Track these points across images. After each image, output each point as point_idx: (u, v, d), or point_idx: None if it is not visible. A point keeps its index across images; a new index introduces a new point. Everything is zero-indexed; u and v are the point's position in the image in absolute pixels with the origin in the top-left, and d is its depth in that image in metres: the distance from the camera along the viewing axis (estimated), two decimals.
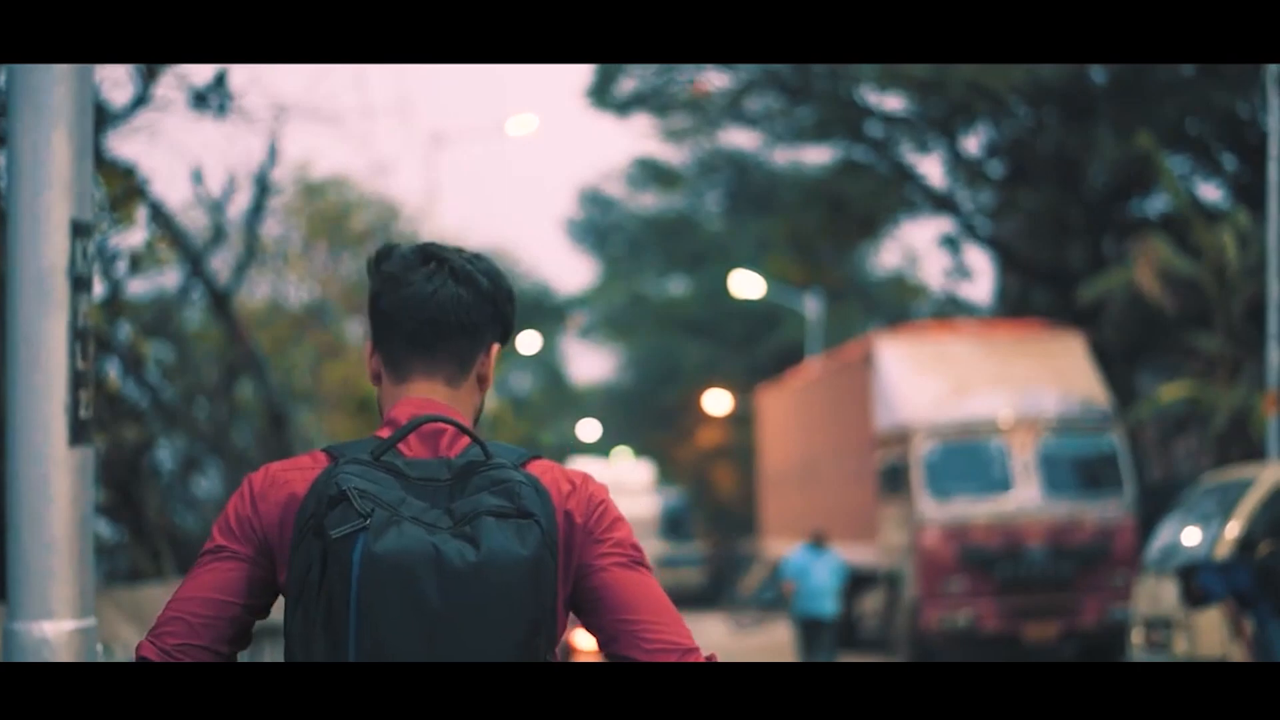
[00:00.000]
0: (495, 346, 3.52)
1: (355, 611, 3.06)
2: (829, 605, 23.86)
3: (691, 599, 52.33)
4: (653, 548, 42.27)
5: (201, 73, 15.24)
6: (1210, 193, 38.26)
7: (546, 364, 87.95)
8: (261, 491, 3.30)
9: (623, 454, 59.57)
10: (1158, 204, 37.55)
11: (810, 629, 23.86)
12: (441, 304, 3.37)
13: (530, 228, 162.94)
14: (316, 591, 3.10)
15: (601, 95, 40.38)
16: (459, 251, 3.46)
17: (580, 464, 42.34)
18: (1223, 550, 18.99)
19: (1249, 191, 34.43)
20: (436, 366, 3.41)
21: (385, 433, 3.32)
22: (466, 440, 3.30)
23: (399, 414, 3.34)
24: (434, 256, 3.41)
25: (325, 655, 3.11)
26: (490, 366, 3.48)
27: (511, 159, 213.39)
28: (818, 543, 24.22)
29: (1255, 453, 27.10)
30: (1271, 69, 26.93)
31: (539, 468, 3.30)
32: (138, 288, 31.22)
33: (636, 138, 43.73)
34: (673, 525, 48.21)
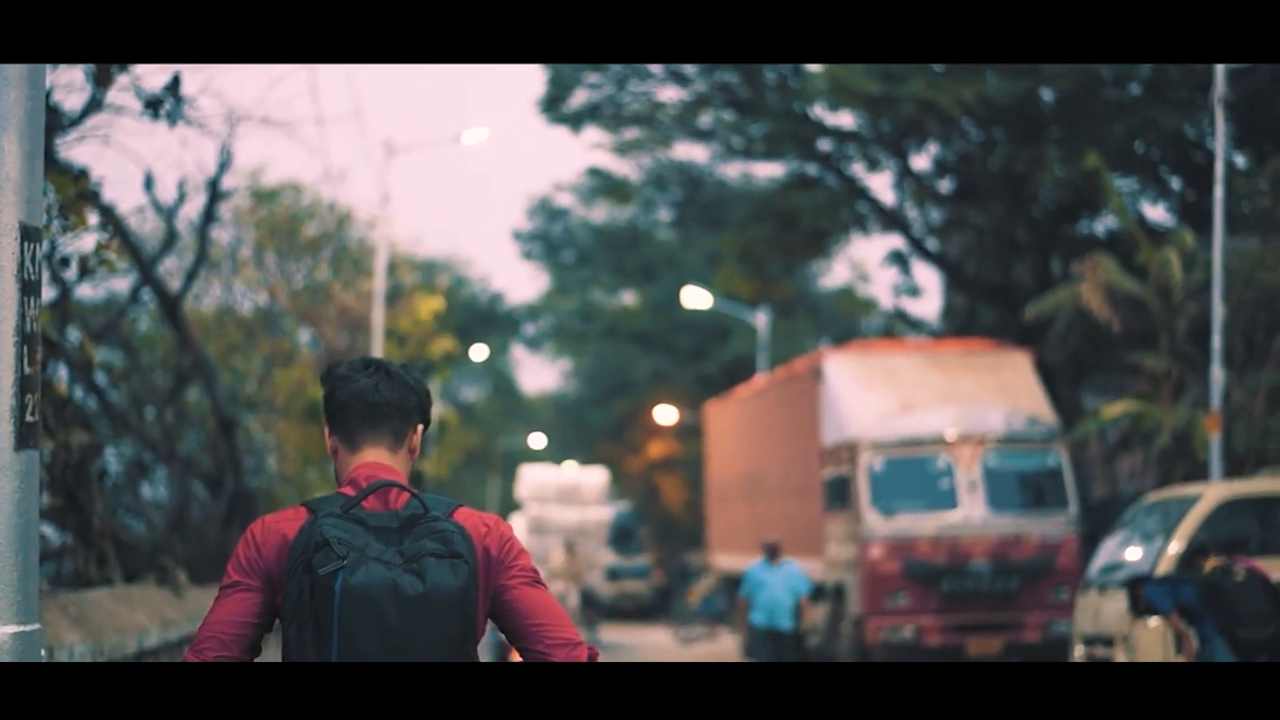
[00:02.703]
0: (420, 427, 4.77)
1: (337, 627, 4.29)
2: (786, 619, 23.71)
3: (639, 611, 52.40)
4: (603, 557, 42.28)
5: (155, 78, 15.25)
6: (1157, 213, 38.55)
7: (496, 373, 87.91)
8: (262, 538, 4.52)
9: (569, 466, 59.66)
10: (1105, 223, 37.78)
11: (775, 641, 23.78)
12: (381, 394, 4.66)
13: (483, 237, 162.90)
14: (307, 612, 4.31)
15: (553, 108, 40.41)
16: (391, 362, 4.76)
17: (534, 472, 42.25)
18: (1165, 567, 19.16)
19: (1195, 212, 34.71)
20: (380, 439, 4.67)
21: (349, 489, 4.56)
22: (407, 495, 4.51)
23: (358, 475, 4.60)
24: (373, 364, 4.73)
25: (315, 657, 4.32)
26: (417, 441, 4.76)
27: (465, 169, 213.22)
28: (772, 556, 24.13)
29: (1197, 471, 27.32)
30: (1216, 90, 27.21)
31: (462, 515, 4.53)
32: (87, 292, 31.17)
33: (589, 149, 43.79)
34: (621, 537, 48.31)
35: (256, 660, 4.54)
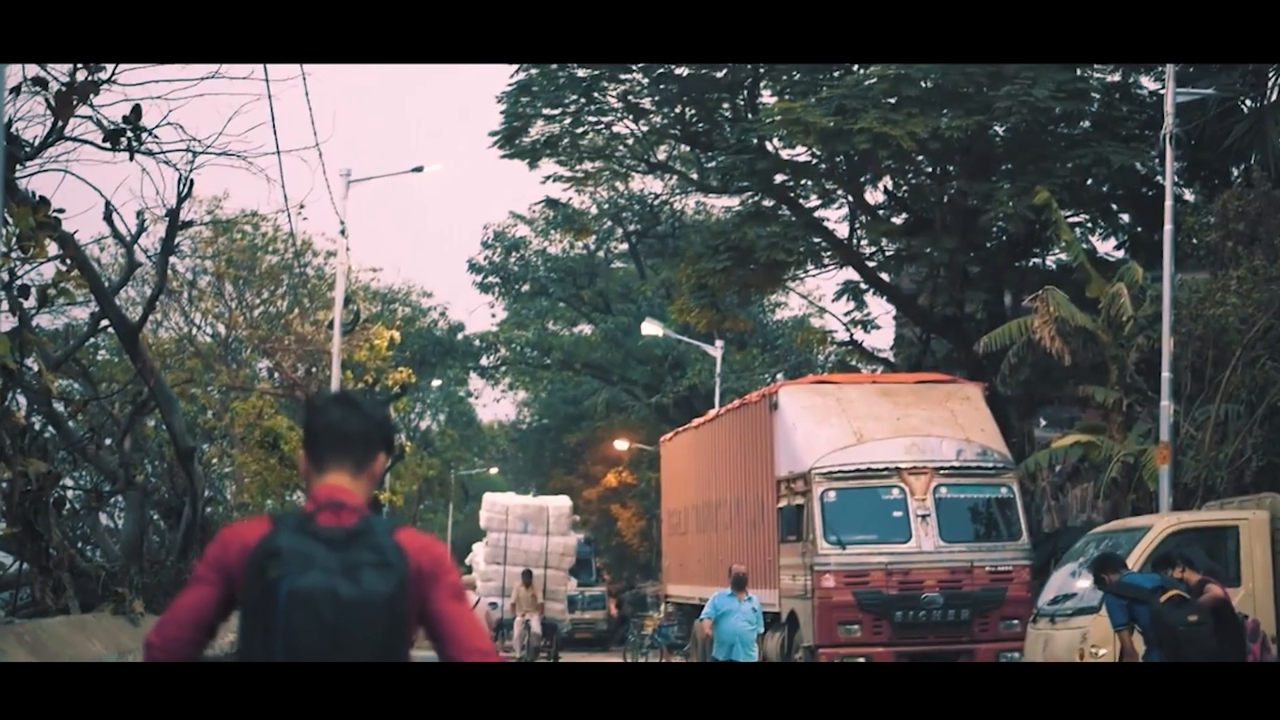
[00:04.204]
0: (382, 456, 5.36)
1: (281, 624, 4.91)
2: (745, 653, 23.28)
3: (595, 639, 52.43)
4: (567, 586, 42.22)
5: (115, 109, 15.39)
6: (1108, 247, 38.93)
7: (454, 403, 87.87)
8: (229, 542, 5.13)
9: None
10: (1056, 257, 38.12)
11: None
12: (348, 425, 5.27)
13: (442, 268, 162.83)
14: (259, 609, 4.94)
15: (510, 142, 40.56)
16: (363, 394, 5.49)
17: (497, 498, 42.19)
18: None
19: (1145, 247, 35.08)
20: (343, 465, 5.25)
21: (309, 506, 5.14)
22: (358, 514, 5.11)
23: (319, 494, 5.17)
24: (346, 398, 5.37)
25: (262, 647, 4.95)
26: (379, 468, 5.35)
27: (424, 200, 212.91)
28: (739, 587, 23.55)
29: (1147, 502, 27.62)
30: (1165, 126, 27.56)
31: (403, 534, 5.12)
32: (46, 322, 31.24)
33: (547, 181, 43.61)
34: (577, 566, 48.34)
35: (214, 644, 5.26)
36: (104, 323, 21.83)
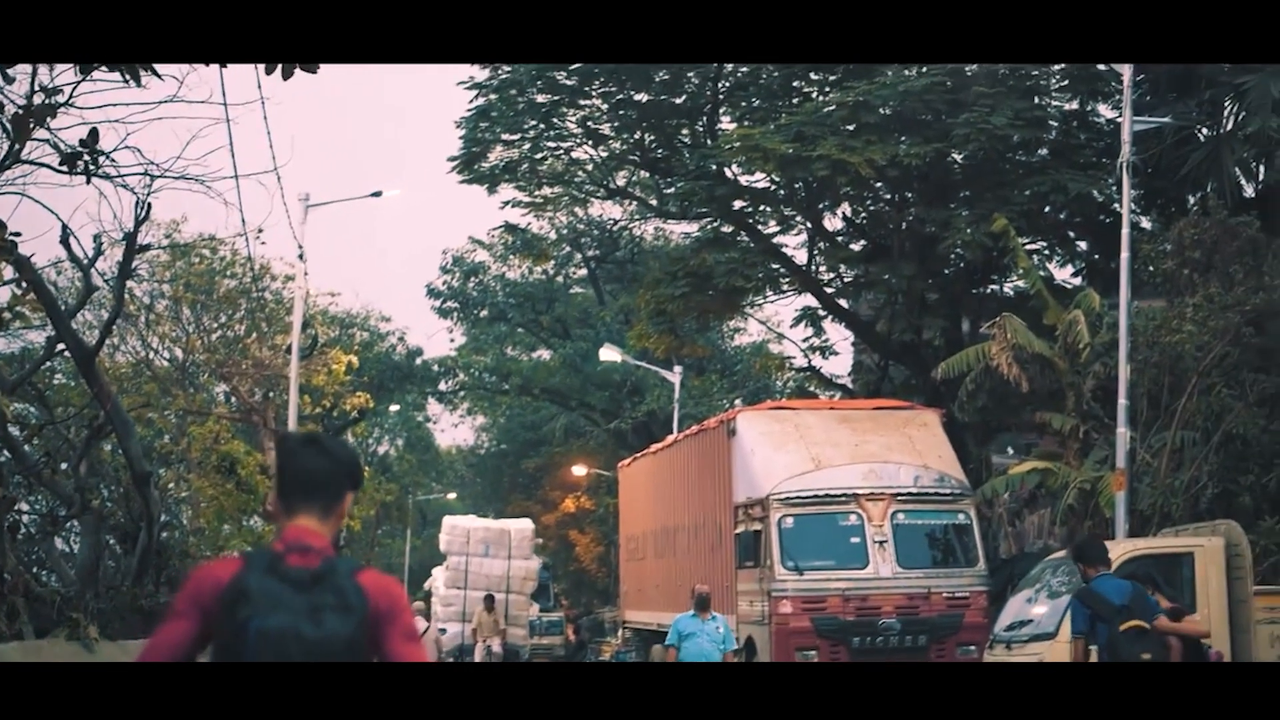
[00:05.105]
0: (349, 495, 5.64)
1: (249, 661, 5.17)
2: None
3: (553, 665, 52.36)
4: (530, 611, 42.01)
5: (72, 133, 15.32)
6: (1065, 274, 39.09)
7: (412, 428, 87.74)
8: (203, 580, 5.39)
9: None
10: (1014, 284, 38.25)
11: None
12: (317, 471, 5.53)
13: (401, 293, 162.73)
14: (230, 647, 5.23)
15: (468, 167, 40.55)
16: (330, 438, 5.69)
17: (458, 521, 41.81)
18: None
19: (1102, 274, 35.25)
20: (311, 508, 5.52)
21: (279, 546, 5.41)
22: (322, 556, 5.37)
23: (288, 536, 5.44)
24: (315, 441, 5.64)
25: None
26: (347, 505, 5.64)
27: (383, 225, 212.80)
28: (701, 607, 23.40)
29: (1103, 529, 27.68)
30: (1123, 156, 27.70)
31: (365, 576, 5.41)
32: (1, 346, 31.08)
33: (506, 207, 43.60)
34: (536, 591, 48.26)
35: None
36: (60, 346, 21.73)
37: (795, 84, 38.64)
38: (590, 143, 41.59)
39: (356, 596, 5.35)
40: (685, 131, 41.42)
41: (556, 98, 39.63)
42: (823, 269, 41.49)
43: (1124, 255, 27.57)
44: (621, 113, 40.21)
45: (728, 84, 39.79)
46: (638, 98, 39.60)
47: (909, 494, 28.10)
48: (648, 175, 45.18)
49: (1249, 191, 32.93)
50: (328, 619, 5.28)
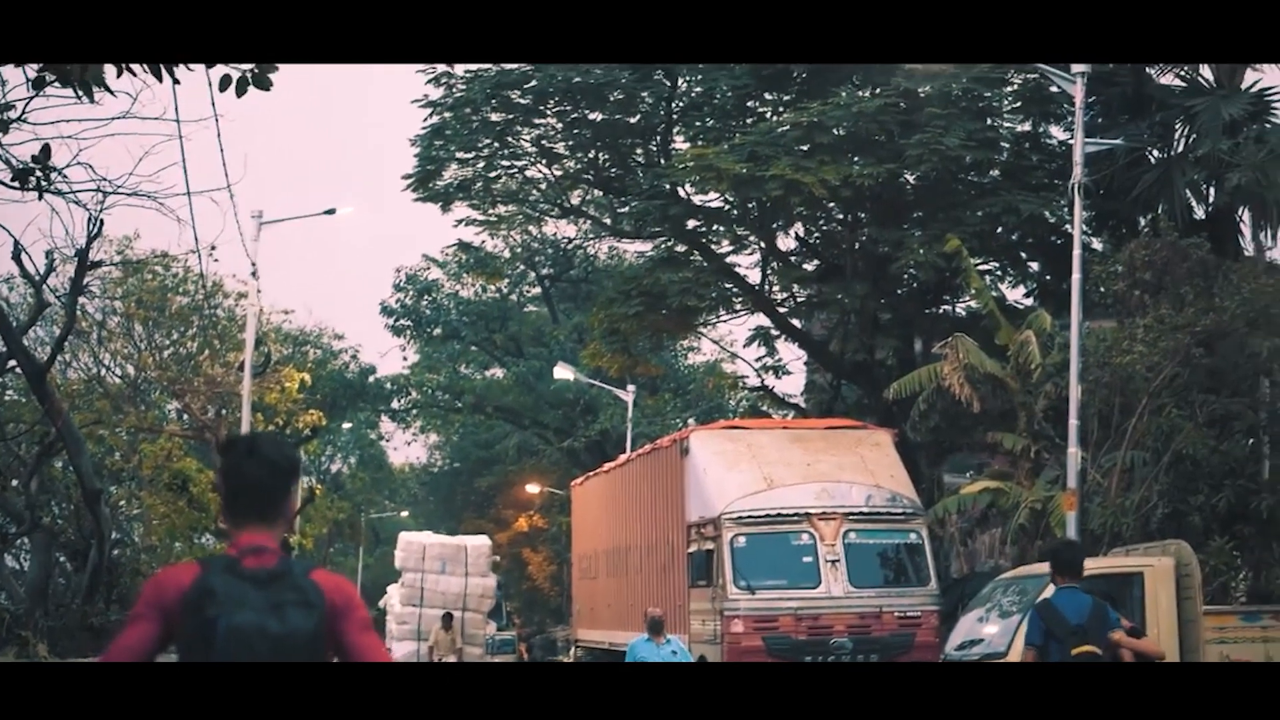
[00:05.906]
0: (291, 491, 5.77)
1: (218, 658, 5.35)
2: None
3: None
4: (486, 629, 41.70)
5: (24, 148, 15.27)
6: (1017, 295, 39.23)
7: (365, 446, 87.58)
8: (164, 583, 5.56)
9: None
10: (966, 304, 38.36)
11: None
12: (257, 484, 5.68)
13: (354, 310, 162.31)
14: (197, 645, 5.40)
15: (423, 185, 40.51)
16: (272, 440, 5.86)
17: (414, 537, 41.23)
18: (1020, 647, 19.44)
19: (1054, 294, 35.40)
20: (258, 516, 5.66)
21: (233, 551, 5.58)
22: (278, 556, 5.58)
23: (241, 542, 5.61)
24: (255, 449, 5.73)
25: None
26: (293, 503, 5.83)
27: (336, 242, 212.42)
28: (655, 631, 23.11)
29: None
30: (1075, 178, 27.84)
31: (318, 574, 5.63)
32: None
33: (460, 224, 43.54)
34: (491, 609, 48.16)
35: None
36: (11, 363, 21.66)
37: (749, 104, 38.74)
38: (544, 161, 41.61)
39: (315, 593, 5.56)
40: (639, 151, 41.47)
41: (511, 116, 39.64)
42: (776, 289, 41.54)
43: (1075, 276, 27.69)
44: (576, 132, 40.24)
45: (681, 103, 39.87)
46: (592, 117, 39.64)
47: (861, 513, 28.16)
48: (601, 194, 45.18)
49: (1199, 213, 33.10)
50: (290, 614, 5.49)
